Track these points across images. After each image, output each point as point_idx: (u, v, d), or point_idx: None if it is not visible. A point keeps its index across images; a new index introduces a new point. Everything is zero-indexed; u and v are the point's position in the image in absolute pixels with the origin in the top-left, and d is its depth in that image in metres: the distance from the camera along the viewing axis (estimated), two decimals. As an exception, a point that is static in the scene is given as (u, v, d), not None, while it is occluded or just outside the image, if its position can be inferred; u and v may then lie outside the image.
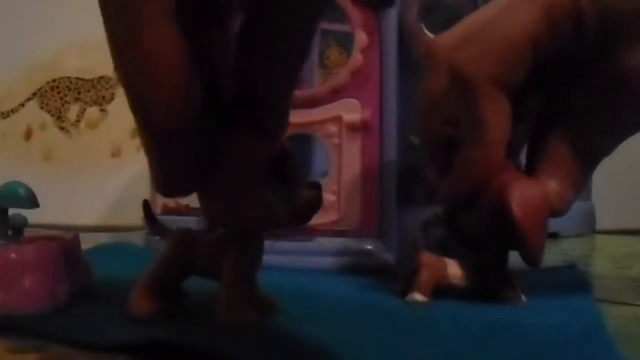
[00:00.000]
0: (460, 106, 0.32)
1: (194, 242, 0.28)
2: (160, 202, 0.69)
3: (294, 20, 0.21)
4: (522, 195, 0.30)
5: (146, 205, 0.31)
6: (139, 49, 0.19)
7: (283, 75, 0.22)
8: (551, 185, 0.31)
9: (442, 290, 0.33)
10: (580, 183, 0.32)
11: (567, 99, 0.32)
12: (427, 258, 0.34)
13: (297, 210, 0.26)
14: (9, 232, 0.32)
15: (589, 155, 0.32)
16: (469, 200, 0.32)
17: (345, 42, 0.72)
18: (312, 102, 0.47)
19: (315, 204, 0.27)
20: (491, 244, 0.33)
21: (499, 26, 0.31)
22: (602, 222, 0.80)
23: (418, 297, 0.33)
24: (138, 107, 0.20)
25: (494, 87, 0.31)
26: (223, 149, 0.23)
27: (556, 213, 0.32)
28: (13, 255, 0.29)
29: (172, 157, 0.22)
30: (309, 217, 0.27)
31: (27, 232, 0.33)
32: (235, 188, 0.24)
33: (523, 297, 0.33)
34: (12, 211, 0.32)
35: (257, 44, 0.21)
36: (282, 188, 0.26)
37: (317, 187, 0.27)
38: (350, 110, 0.46)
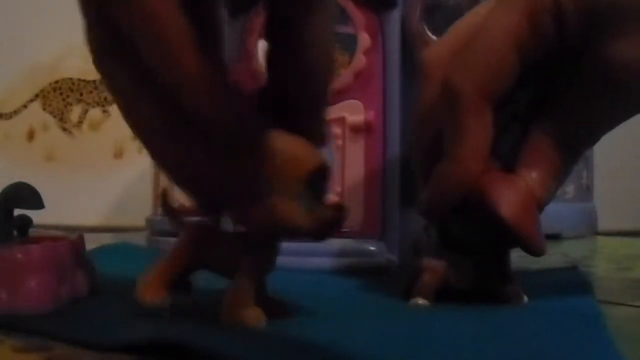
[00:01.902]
0: (445, 118, 0.32)
1: (208, 237, 0.28)
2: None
3: None
4: (505, 195, 0.30)
5: (165, 197, 0.31)
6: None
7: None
8: (532, 176, 0.31)
9: (443, 292, 0.33)
10: (562, 173, 0.32)
11: (550, 92, 0.32)
12: (429, 261, 0.34)
13: (318, 226, 0.26)
14: (14, 233, 0.33)
15: (570, 145, 0.32)
16: (455, 210, 0.32)
17: (346, 43, 0.72)
18: (315, 104, 0.47)
19: (337, 222, 0.27)
20: (489, 247, 0.33)
21: (483, 35, 0.31)
22: (603, 224, 0.80)
23: (420, 301, 0.33)
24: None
25: (481, 99, 0.31)
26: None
27: (540, 203, 0.31)
28: (19, 255, 0.29)
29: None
30: (328, 235, 0.27)
31: (32, 233, 0.34)
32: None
33: (525, 298, 0.33)
34: (16, 212, 0.32)
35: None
36: (310, 201, 0.26)
37: (341, 209, 0.27)
38: (354, 112, 0.46)
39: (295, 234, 0.27)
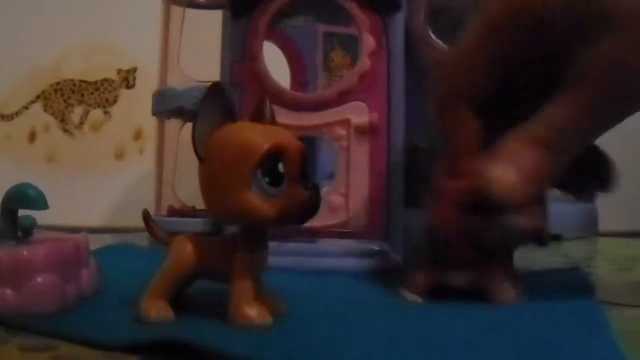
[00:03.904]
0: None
1: (200, 247, 0.29)
2: (165, 204, 0.69)
3: None
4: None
5: (146, 217, 0.31)
6: None
7: None
8: (495, 171, 0.31)
9: (443, 291, 0.34)
10: (531, 173, 0.31)
11: (528, 96, 0.33)
12: (424, 260, 0.34)
13: (288, 210, 0.27)
14: (19, 233, 0.33)
15: (542, 145, 0.31)
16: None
17: (348, 44, 0.72)
18: (320, 105, 0.47)
19: (310, 204, 0.27)
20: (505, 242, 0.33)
21: (465, 41, 0.32)
22: (604, 225, 0.80)
23: (410, 297, 0.33)
24: None
25: (458, 101, 0.32)
26: None
27: (500, 198, 0.31)
28: (24, 254, 0.29)
29: None
30: (304, 218, 0.27)
31: (35, 233, 0.34)
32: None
33: (522, 297, 0.33)
34: (21, 212, 0.33)
35: None
36: (270, 189, 0.26)
37: (314, 188, 0.27)
38: (358, 114, 0.47)
39: (260, 222, 0.27)
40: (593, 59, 0.29)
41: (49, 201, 0.31)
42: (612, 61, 0.29)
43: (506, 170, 0.30)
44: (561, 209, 0.74)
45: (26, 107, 1.07)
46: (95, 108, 1.07)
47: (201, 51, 0.70)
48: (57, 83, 1.07)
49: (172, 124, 0.71)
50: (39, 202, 0.31)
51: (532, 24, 0.30)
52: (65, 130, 1.06)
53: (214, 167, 0.27)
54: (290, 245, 0.45)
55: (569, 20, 0.29)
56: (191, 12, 0.72)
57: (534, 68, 0.32)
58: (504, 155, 0.31)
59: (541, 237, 0.32)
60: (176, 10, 0.72)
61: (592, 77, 0.29)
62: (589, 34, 0.29)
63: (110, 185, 1.03)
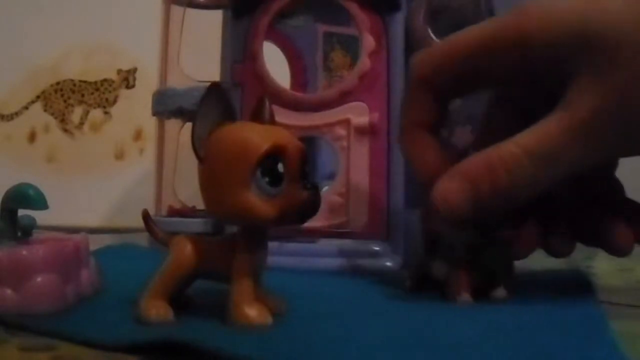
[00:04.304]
0: None
1: (200, 247, 0.29)
2: (165, 204, 0.69)
3: None
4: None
5: (146, 217, 0.31)
6: None
7: None
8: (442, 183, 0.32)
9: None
10: (480, 191, 0.30)
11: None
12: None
13: (287, 210, 0.27)
14: (18, 233, 0.33)
15: (503, 165, 0.31)
16: None
17: (348, 44, 0.72)
18: (320, 106, 0.48)
19: (310, 204, 0.27)
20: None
21: (457, 37, 0.33)
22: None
23: (460, 298, 0.33)
24: None
25: (421, 83, 0.33)
26: None
27: (443, 211, 0.31)
28: (24, 254, 0.29)
29: None
30: (303, 218, 0.27)
31: (35, 233, 0.34)
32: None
33: (509, 294, 0.33)
34: (20, 212, 0.32)
35: None
36: (270, 188, 0.26)
37: (314, 188, 0.27)
38: (358, 114, 0.47)
39: (259, 222, 0.27)
40: (582, 85, 0.29)
41: (49, 201, 0.31)
42: (604, 86, 0.29)
43: (457, 189, 0.30)
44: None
45: (26, 107, 1.07)
46: (95, 108, 1.07)
47: (201, 51, 0.70)
48: (57, 83, 1.07)
49: (172, 124, 0.71)
50: (39, 202, 0.31)
51: (521, 52, 0.31)
52: (65, 131, 1.06)
53: (213, 167, 0.27)
54: (290, 246, 0.45)
55: (556, 54, 0.29)
56: (191, 12, 0.72)
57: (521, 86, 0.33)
58: (459, 175, 0.31)
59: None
60: (176, 10, 0.71)
61: (580, 103, 0.29)
62: (572, 60, 0.29)
63: (110, 185, 1.03)
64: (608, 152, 0.31)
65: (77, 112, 1.07)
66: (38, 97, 1.07)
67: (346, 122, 0.47)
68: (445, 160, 0.33)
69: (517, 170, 0.30)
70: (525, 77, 0.32)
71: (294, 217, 0.27)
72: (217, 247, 0.29)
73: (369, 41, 0.47)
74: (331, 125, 0.47)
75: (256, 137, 0.27)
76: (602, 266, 0.54)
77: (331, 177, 0.49)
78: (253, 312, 0.27)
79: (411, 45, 0.47)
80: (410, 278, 0.37)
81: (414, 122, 0.34)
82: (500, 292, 0.33)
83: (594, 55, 0.29)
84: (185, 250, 0.28)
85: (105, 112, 1.06)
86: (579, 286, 0.38)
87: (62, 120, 1.06)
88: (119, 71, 1.06)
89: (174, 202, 0.69)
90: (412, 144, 0.34)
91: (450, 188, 0.31)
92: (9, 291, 0.29)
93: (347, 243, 0.46)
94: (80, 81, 1.07)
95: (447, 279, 0.34)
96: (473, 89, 0.35)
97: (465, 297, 0.33)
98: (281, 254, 0.44)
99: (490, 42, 0.31)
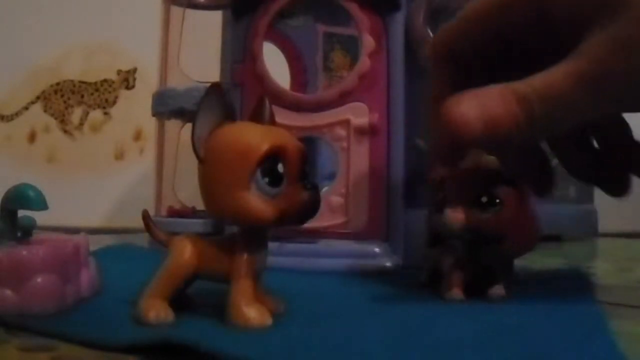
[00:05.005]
0: None
1: (200, 248, 0.29)
2: (165, 204, 0.69)
3: None
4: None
5: (146, 217, 0.31)
6: None
7: None
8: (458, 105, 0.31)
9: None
10: (494, 118, 0.30)
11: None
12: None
13: (287, 210, 0.27)
14: (18, 234, 0.33)
15: (515, 100, 0.31)
16: None
17: (348, 45, 0.72)
18: (320, 106, 0.48)
19: (310, 205, 0.27)
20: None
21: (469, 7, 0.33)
22: (604, 225, 0.80)
23: (450, 295, 0.34)
24: None
25: (443, 49, 0.34)
26: None
27: (458, 134, 0.30)
28: (24, 255, 0.29)
29: None
30: (303, 218, 0.27)
31: (35, 234, 0.34)
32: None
33: (506, 293, 0.33)
34: (20, 213, 0.32)
35: None
36: (270, 189, 0.26)
37: (314, 189, 0.27)
38: (358, 114, 0.47)
39: (259, 223, 0.27)
40: (593, 38, 0.29)
41: (49, 201, 0.31)
42: (614, 40, 0.29)
43: (468, 106, 0.30)
44: (561, 209, 0.74)
45: (26, 108, 1.07)
46: (95, 109, 1.07)
47: (201, 51, 0.70)
48: (57, 84, 1.07)
49: (172, 125, 0.71)
50: (39, 202, 0.31)
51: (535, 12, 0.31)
52: (65, 131, 1.06)
53: (213, 167, 0.27)
54: (291, 246, 0.45)
55: (572, 7, 0.30)
56: (191, 12, 0.72)
57: (534, 43, 0.33)
58: (472, 95, 0.30)
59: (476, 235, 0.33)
60: (176, 11, 0.72)
61: (589, 53, 0.29)
62: (592, 18, 0.29)
63: (110, 185, 1.03)
64: (617, 104, 0.31)
65: (77, 113, 1.07)
66: (38, 97, 1.07)
67: (346, 123, 0.47)
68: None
69: (528, 106, 0.30)
70: (541, 35, 0.32)
71: (294, 218, 0.27)
72: (217, 247, 0.29)
73: (368, 41, 0.47)
74: (331, 125, 0.47)
75: (256, 137, 0.27)
76: (602, 266, 0.54)
77: (331, 177, 0.49)
78: (252, 313, 0.27)
79: (411, 45, 0.47)
80: (426, 271, 0.38)
81: (438, 97, 0.33)
82: (498, 289, 0.33)
83: (608, 8, 0.29)
84: (185, 250, 0.28)
85: (105, 113, 1.06)
86: (578, 286, 0.38)
87: (62, 120, 1.07)
88: (119, 71, 1.06)
89: (174, 203, 0.69)
90: (438, 119, 0.33)
91: (461, 100, 0.30)
92: (8, 291, 0.29)
93: (346, 244, 0.46)
94: (80, 82, 1.07)
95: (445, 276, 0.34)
96: (492, 52, 0.34)
97: (456, 293, 0.33)
98: (281, 255, 0.44)
99: (508, 1, 0.32)
